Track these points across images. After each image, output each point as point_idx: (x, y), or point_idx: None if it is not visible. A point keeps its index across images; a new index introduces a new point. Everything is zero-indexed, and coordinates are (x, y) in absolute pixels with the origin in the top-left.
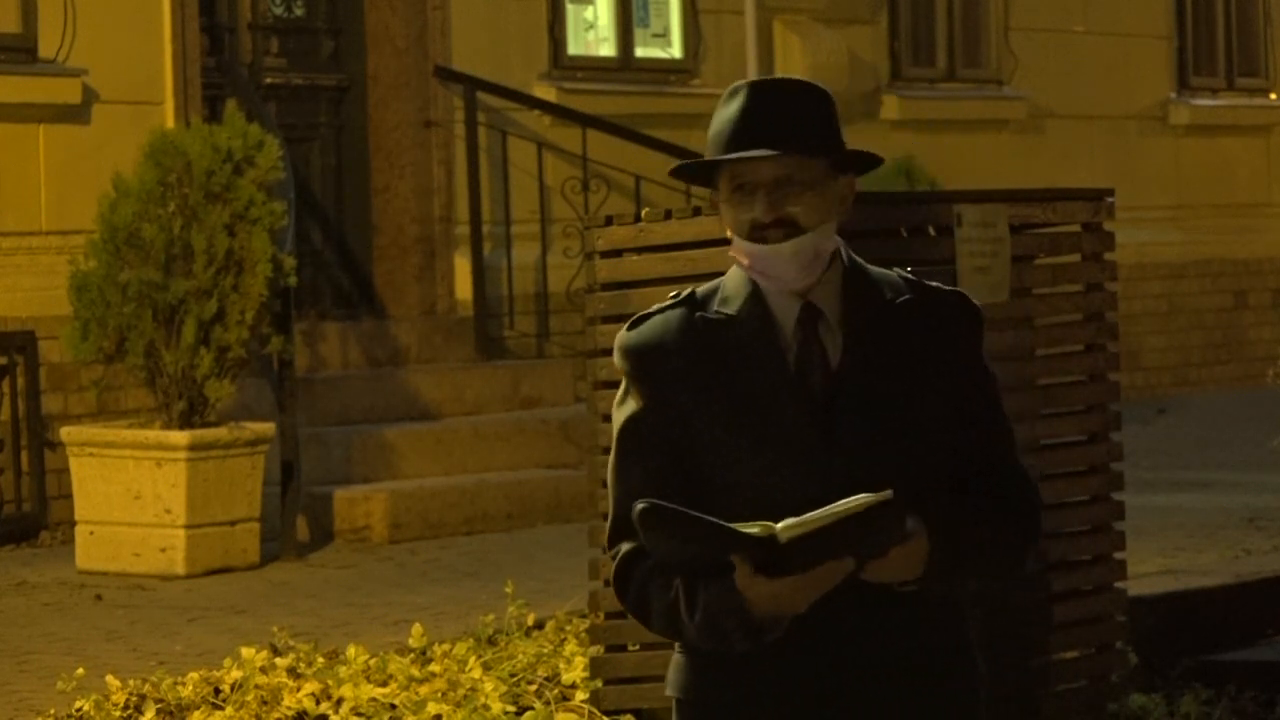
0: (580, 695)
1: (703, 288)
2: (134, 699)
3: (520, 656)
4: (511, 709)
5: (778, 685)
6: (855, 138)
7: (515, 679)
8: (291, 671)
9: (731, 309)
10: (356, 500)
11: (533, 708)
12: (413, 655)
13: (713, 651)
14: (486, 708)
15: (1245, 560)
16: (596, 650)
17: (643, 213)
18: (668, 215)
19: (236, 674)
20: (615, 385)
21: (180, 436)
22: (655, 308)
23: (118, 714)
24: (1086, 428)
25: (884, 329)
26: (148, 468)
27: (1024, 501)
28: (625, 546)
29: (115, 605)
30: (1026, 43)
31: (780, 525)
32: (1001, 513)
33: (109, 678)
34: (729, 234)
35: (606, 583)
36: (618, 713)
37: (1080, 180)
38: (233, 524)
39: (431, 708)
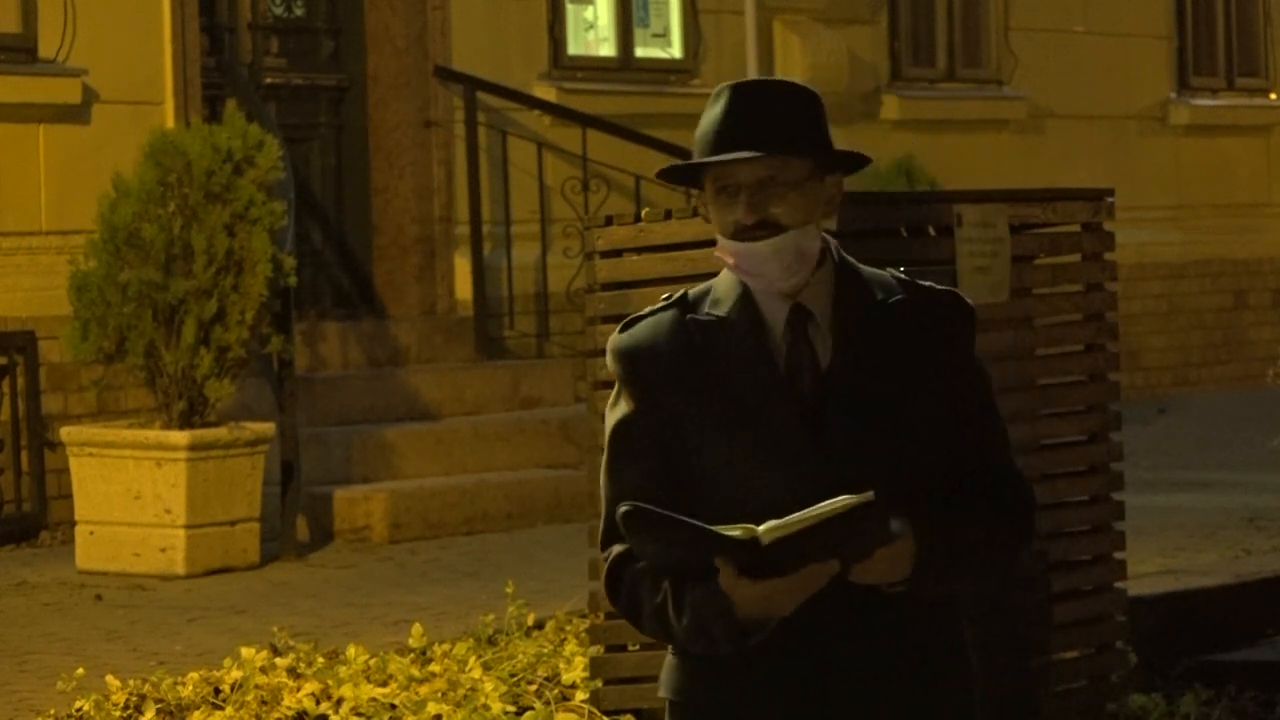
0: (580, 695)
1: (695, 290)
2: (134, 699)
3: (520, 656)
4: (511, 709)
5: (770, 686)
6: (855, 138)
7: (515, 679)
8: (291, 671)
9: (722, 311)
10: (356, 500)
11: (533, 708)
12: (413, 655)
13: (703, 653)
14: (486, 708)
15: (1245, 560)
16: (596, 650)
17: (643, 213)
18: (668, 215)
19: (236, 674)
20: (613, 386)
21: (180, 436)
22: (647, 310)
23: (118, 714)
24: (1086, 428)
25: (875, 329)
26: (148, 468)
27: (1018, 501)
28: (617, 549)
29: (115, 605)
30: (1026, 43)
31: (762, 528)
32: (994, 513)
33: (109, 678)
34: (716, 234)
35: None
36: (618, 713)
37: (1080, 180)
38: (233, 524)
39: (431, 708)
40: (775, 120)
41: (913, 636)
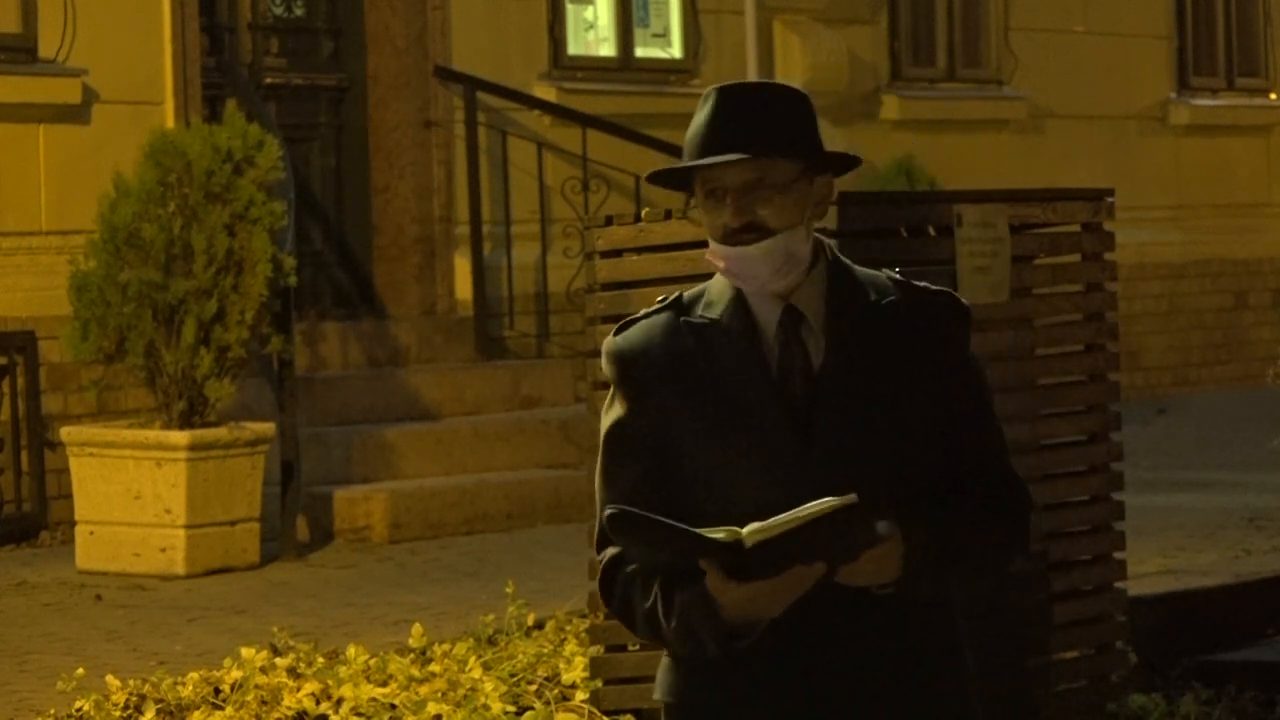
0: (580, 695)
1: (690, 292)
2: (134, 699)
3: (520, 656)
4: (511, 709)
5: (764, 688)
6: (855, 138)
7: (515, 679)
8: (291, 671)
9: (715, 313)
10: (356, 500)
11: (533, 708)
12: (413, 655)
13: (692, 656)
14: (486, 708)
15: (1245, 560)
16: (596, 650)
17: (643, 213)
18: (668, 215)
19: (236, 674)
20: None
21: (180, 436)
22: (642, 313)
23: (118, 714)
24: (1086, 428)
25: (868, 330)
26: (148, 468)
27: (1014, 503)
28: (611, 551)
29: (115, 605)
30: (1026, 43)
31: (746, 530)
32: (989, 514)
33: (109, 678)
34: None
35: None
36: (618, 713)
37: (1080, 180)
38: (233, 524)
39: (431, 708)
40: (760, 122)
41: (906, 638)
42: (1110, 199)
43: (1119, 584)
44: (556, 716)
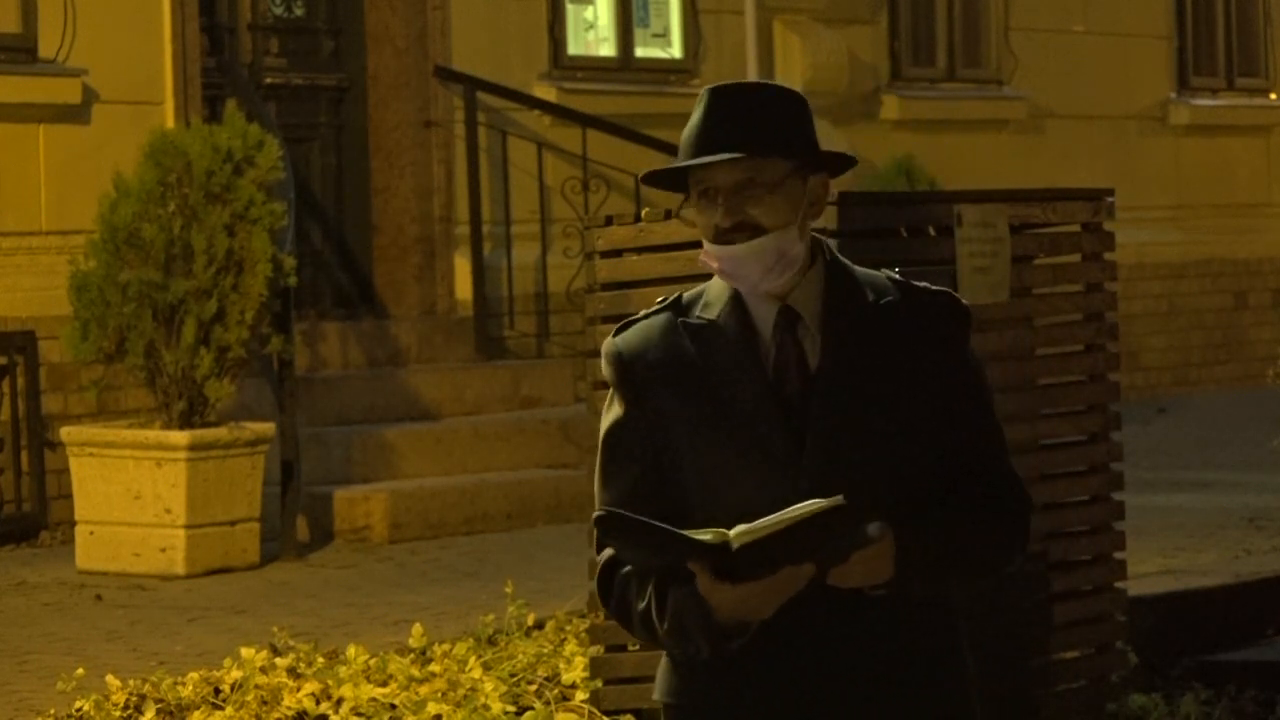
0: (580, 695)
1: (689, 293)
2: (134, 699)
3: (520, 656)
4: (511, 709)
5: (761, 689)
6: (855, 138)
7: (515, 679)
8: (291, 671)
9: (712, 314)
10: (356, 500)
11: (533, 708)
12: (413, 655)
13: (686, 657)
14: (486, 708)
15: (1245, 560)
16: (596, 650)
17: (643, 213)
18: (668, 215)
19: (236, 674)
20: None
21: (180, 436)
22: (641, 314)
23: (118, 714)
24: (1086, 428)
25: (865, 331)
26: (148, 468)
27: (1013, 503)
28: (609, 552)
29: (115, 605)
30: (1026, 43)
31: (733, 532)
32: (986, 515)
33: (109, 678)
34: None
35: None
36: (618, 713)
37: (1080, 180)
38: (233, 524)
39: (431, 708)
40: (750, 122)
41: (903, 638)
42: (1110, 199)
43: (1119, 584)
44: (556, 716)
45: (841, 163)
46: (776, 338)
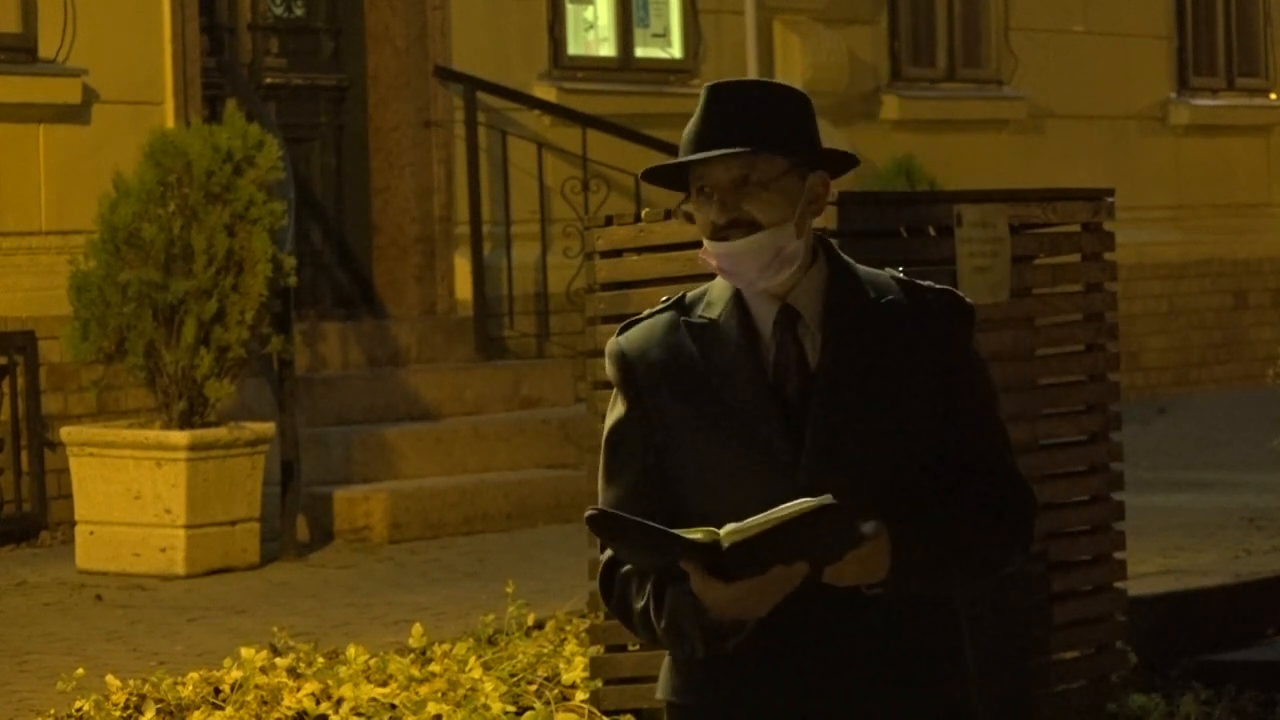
0: (580, 695)
1: (693, 292)
2: (134, 699)
3: (520, 656)
4: (511, 709)
5: (763, 688)
6: (855, 138)
7: (515, 679)
8: (291, 671)
9: (714, 313)
10: (356, 500)
11: (533, 708)
12: (413, 655)
13: (684, 656)
14: (486, 708)
15: (1245, 560)
16: (596, 650)
17: (643, 213)
18: (668, 215)
19: (236, 674)
20: (611, 387)
21: (180, 436)
22: (646, 313)
23: (118, 714)
24: (1086, 428)
25: (866, 329)
26: (148, 468)
27: (1016, 504)
28: (611, 551)
29: (115, 605)
30: (1026, 43)
31: (724, 530)
32: (987, 514)
33: (109, 678)
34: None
35: None
36: (618, 713)
37: (1080, 180)
38: (233, 524)
39: (431, 708)
40: (746, 119)
41: (904, 638)
42: (1110, 199)
43: (1119, 584)
44: (556, 716)
45: (844, 161)
46: (777, 336)
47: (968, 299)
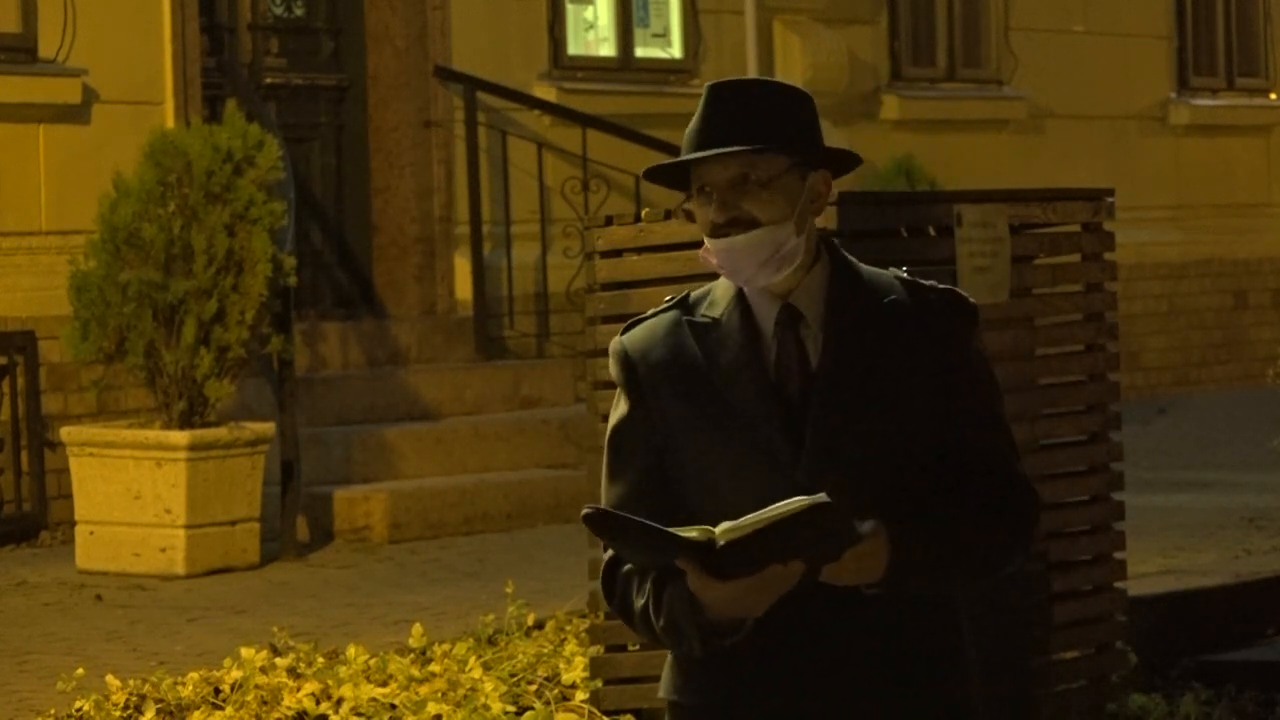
0: (580, 695)
1: (697, 292)
2: (134, 699)
3: (520, 656)
4: (511, 709)
5: (763, 687)
6: (855, 138)
7: (515, 679)
8: (291, 671)
9: (716, 312)
10: (356, 500)
11: (533, 708)
12: (413, 655)
13: (683, 654)
14: (486, 708)
15: (1245, 560)
16: (596, 650)
17: (643, 213)
18: (668, 215)
19: (236, 674)
20: (614, 386)
21: (180, 436)
22: (649, 312)
23: (118, 714)
24: (1086, 428)
25: (868, 329)
26: (148, 468)
27: (1018, 504)
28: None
29: (115, 605)
30: (1026, 43)
31: (719, 529)
32: (989, 514)
33: (109, 678)
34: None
35: None
36: (618, 713)
37: (1080, 180)
38: (233, 524)
39: (431, 708)
40: (745, 118)
41: (905, 637)
42: (1110, 199)
43: (1119, 584)
44: (556, 716)
45: (846, 160)
46: (779, 336)
47: (971, 299)
